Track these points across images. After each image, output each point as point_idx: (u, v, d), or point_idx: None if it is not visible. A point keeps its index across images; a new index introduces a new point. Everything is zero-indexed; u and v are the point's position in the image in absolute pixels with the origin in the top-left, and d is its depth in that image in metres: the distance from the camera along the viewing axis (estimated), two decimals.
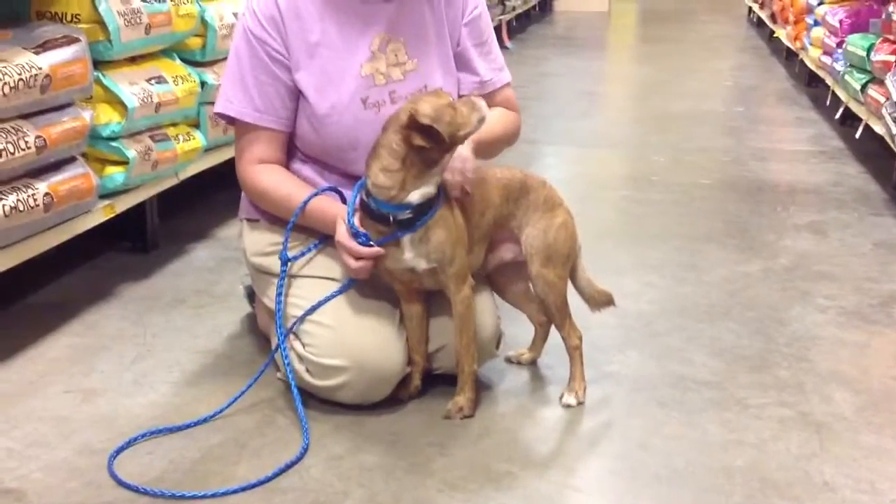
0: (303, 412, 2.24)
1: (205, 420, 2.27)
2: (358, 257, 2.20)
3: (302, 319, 2.31)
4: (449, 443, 2.22)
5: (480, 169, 2.33)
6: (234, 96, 2.36)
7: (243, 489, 2.01)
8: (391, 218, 2.16)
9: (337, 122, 2.34)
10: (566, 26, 11.64)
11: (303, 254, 2.37)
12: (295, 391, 2.27)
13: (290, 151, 2.45)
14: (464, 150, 2.24)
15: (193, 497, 1.99)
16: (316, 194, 2.32)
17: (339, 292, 2.32)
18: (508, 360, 2.61)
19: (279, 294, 2.34)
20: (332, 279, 2.35)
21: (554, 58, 8.73)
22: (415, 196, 2.14)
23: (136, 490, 1.99)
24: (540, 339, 2.60)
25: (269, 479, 2.04)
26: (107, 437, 2.22)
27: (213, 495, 2.00)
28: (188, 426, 2.24)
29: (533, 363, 2.61)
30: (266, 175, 2.38)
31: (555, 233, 2.35)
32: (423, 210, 2.16)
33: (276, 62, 2.33)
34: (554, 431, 2.33)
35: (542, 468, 2.15)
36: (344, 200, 2.34)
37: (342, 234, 2.22)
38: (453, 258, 2.21)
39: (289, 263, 2.36)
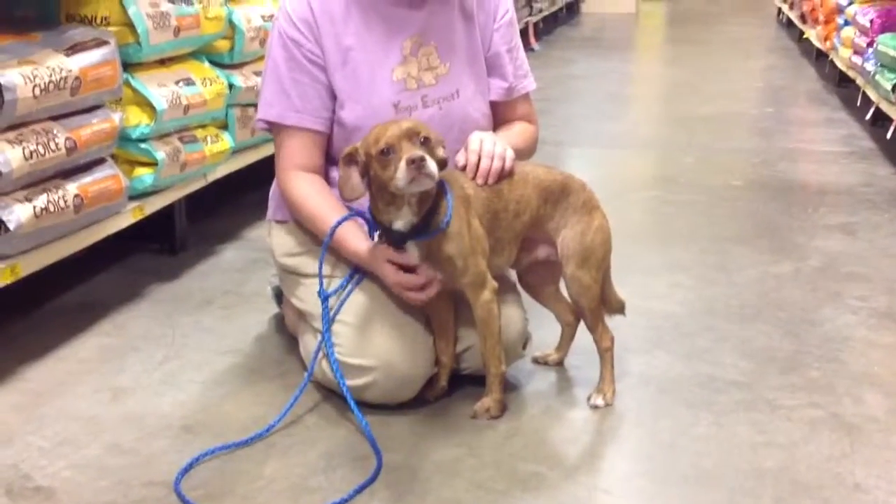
0: (354, 404, 2.23)
1: (264, 433, 2.23)
2: (400, 268, 2.20)
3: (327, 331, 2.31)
4: (476, 443, 2.21)
5: (523, 169, 2.33)
6: (274, 101, 2.36)
7: None
8: (377, 232, 2.19)
9: (368, 127, 2.34)
10: (593, 28, 11.60)
11: (341, 286, 2.34)
12: (351, 402, 2.23)
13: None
14: (486, 139, 2.26)
15: None
16: (342, 221, 2.27)
17: (343, 285, 2.33)
18: (535, 361, 2.60)
19: (326, 330, 2.29)
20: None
21: (581, 59, 8.70)
22: (398, 224, 2.14)
23: None
24: (567, 339, 2.59)
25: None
26: (136, 437, 2.23)
27: None
28: (250, 441, 2.20)
29: (560, 364, 2.60)
30: (299, 188, 2.36)
31: (592, 235, 2.34)
32: (420, 230, 2.14)
33: (312, 63, 2.33)
34: (582, 432, 2.31)
35: (570, 469, 2.14)
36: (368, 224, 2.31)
37: (378, 260, 2.23)
38: (466, 269, 2.19)
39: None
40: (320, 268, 2.30)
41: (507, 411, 2.34)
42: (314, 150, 2.38)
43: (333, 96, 2.37)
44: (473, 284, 2.21)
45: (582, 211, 2.34)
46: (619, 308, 2.52)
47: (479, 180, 2.25)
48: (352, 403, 2.21)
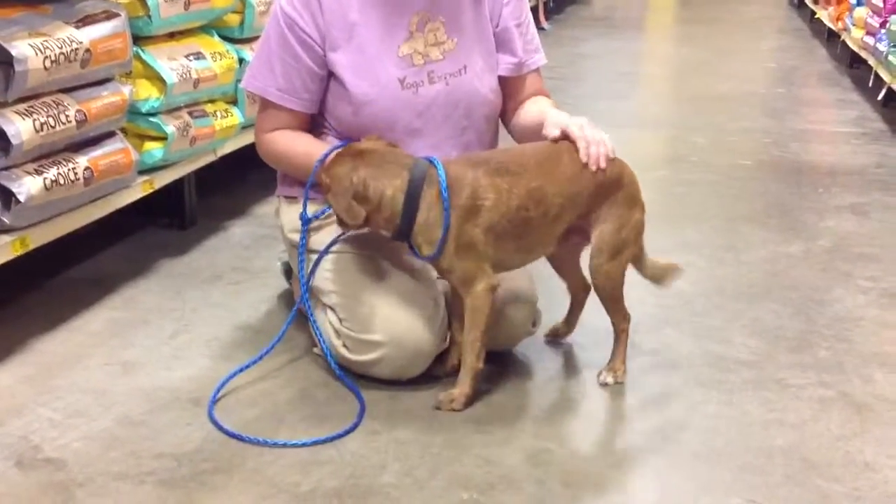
0: (344, 376, 2.31)
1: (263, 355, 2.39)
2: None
3: (317, 262, 2.37)
4: (486, 420, 2.21)
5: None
6: (259, 74, 2.39)
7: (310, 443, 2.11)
8: None
9: (374, 103, 2.33)
10: (604, 7, 11.55)
11: (323, 212, 2.38)
12: (331, 361, 2.32)
13: (326, 130, 2.45)
14: (584, 124, 2.26)
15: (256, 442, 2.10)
16: (335, 149, 2.30)
17: (325, 211, 2.38)
18: (546, 339, 2.59)
19: (301, 253, 2.36)
20: (363, 254, 2.36)
21: (592, 39, 8.66)
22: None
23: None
24: (576, 310, 2.58)
25: (338, 436, 2.13)
26: (146, 409, 2.23)
27: (277, 444, 2.10)
28: (260, 358, 2.39)
29: (568, 334, 2.59)
30: (281, 137, 2.41)
31: (628, 230, 2.31)
32: (403, 232, 2.17)
33: (303, 44, 2.33)
34: (592, 410, 2.31)
35: (579, 446, 2.14)
36: None
37: None
38: (451, 269, 2.18)
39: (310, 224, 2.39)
40: (307, 190, 2.34)
41: (517, 387, 2.34)
42: (293, 122, 2.42)
43: (317, 79, 2.36)
44: (461, 280, 2.20)
45: (625, 205, 2.30)
46: (674, 271, 2.52)
47: (593, 167, 2.23)
48: (334, 365, 2.31)
